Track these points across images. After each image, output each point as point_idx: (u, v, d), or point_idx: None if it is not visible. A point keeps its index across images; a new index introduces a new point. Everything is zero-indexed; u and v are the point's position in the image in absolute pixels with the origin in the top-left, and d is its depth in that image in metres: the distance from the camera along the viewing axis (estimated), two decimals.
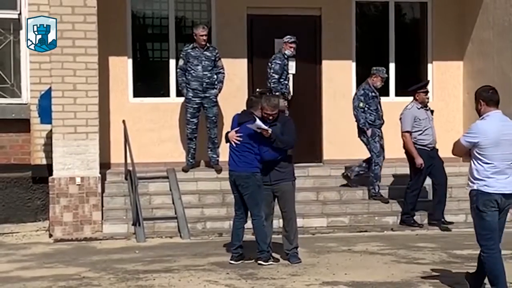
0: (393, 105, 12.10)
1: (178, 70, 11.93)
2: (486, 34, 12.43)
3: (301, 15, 12.86)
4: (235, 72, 12.49)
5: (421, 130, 10.85)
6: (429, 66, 13.40)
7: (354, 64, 13.13)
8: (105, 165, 11.72)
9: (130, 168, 11.01)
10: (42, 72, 11.48)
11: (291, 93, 12.14)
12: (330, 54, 12.93)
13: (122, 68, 12.46)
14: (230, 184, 8.83)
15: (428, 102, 11.12)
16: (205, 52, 11.70)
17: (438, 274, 8.04)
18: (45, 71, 11.31)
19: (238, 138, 8.59)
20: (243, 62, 12.72)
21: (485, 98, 6.92)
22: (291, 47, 11.84)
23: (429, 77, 13.20)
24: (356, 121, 11.53)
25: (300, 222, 10.05)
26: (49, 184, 10.73)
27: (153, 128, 12.48)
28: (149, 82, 12.90)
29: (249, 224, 8.85)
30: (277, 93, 11.36)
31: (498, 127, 6.82)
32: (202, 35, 11.64)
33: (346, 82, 13.04)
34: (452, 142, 7.13)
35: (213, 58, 11.73)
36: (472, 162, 6.89)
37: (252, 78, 12.76)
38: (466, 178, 7.11)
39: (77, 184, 10.66)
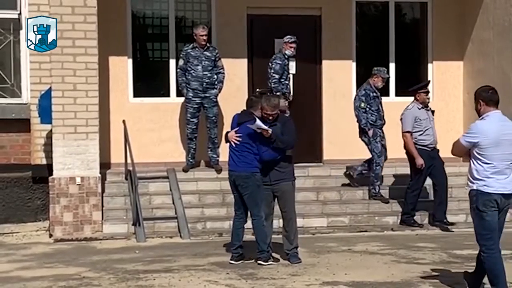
0: (393, 105, 12.10)
1: (178, 70, 11.93)
2: (486, 34, 12.43)
3: (301, 15, 12.86)
4: (235, 72, 12.49)
5: (421, 131, 10.84)
6: (429, 66, 13.41)
7: (354, 64, 13.13)
8: (105, 165, 11.72)
9: (130, 168, 11.01)
10: (42, 72, 11.48)
11: (292, 93, 12.14)
12: (330, 54, 12.93)
13: (122, 68, 12.46)
14: (229, 184, 8.83)
15: (429, 102, 11.11)
16: (205, 52, 11.70)
17: (438, 274, 8.04)
18: (45, 71, 11.31)
19: (238, 138, 8.59)
20: (243, 62, 12.72)
21: (484, 98, 6.92)
22: (291, 47, 11.84)
23: (429, 77, 13.21)
24: (357, 121, 11.52)
25: (300, 222, 10.05)
26: (49, 184, 10.73)
27: (153, 128, 12.49)
28: (149, 82, 12.90)
29: (249, 224, 8.85)
30: (277, 93, 11.37)
31: (498, 127, 6.82)
32: (202, 35, 11.64)
33: (346, 82, 13.04)
34: (452, 142, 7.13)
35: (213, 58, 11.73)
36: (471, 162, 6.89)
37: (252, 78, 12.76)
38: (466, 178, 7.10)
39: (77, 184, 10.66)
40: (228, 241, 9.19)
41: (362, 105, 11.40)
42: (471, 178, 6.89)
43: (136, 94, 12.61)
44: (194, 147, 11.91)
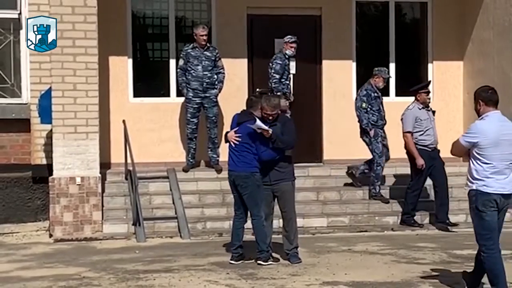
0: (393, 105, 12.11)
1: (178, 70, 11.93)
2: (486, 34, 12.42)
3: (301, 15, 12.86)
4: (235, 72, 12.49)
5: (422, 131, 10.84)
6: (429, 66, 13.41)
7: (354, 64, 13.13)
8: (105, 165, 11.72)
9: (130, 168, 11.01)
10: (42, 72, 11.48)
11: (292, 93, 12.14)
12: (330, 54, 12.93)
13: (122, 68, 12.46)
14: (229, 184, 8.83)
15: (429, 102, 11.11)
16: (205, 52, 11.70)
17: (438, 274, 8.04)
18: (45, 71, 11.31)
19: (237, 138, 8.59)
20: (243, 62, 12.72)
21: (484, 98, 6.92)
22: (292, 47, 11.83)
23: (429, 77, 13.21)
24: (358, 121, 11.52)
25: (300, 222, 10.05)
26: (49, 184, 10.73)
27: (153, 128, 12.48)
28: (149, 82, 12.90)
29: (249, 224, 8.85)
30: (278, 93, 11.37)
31: (498, 127, 6.82)
32: (202, 35, 11.64)
33: (346, 82, 13.04)
34: (452, 142, 7.13)
35: (213, 58, 11.73)
36: (471, 162, 6.89)
37: (252, 78, 12.76)
38: (466, 178, 7.10)
39: (77, 184, 10.66)
40: (228, 241, 9.19)
41: (364, 105, 11.40)
42: (470, 178, 6.89)
43: (136, 94, 12.61)
44: (194, 147, 11.91)
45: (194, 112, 11.76)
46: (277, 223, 9.15)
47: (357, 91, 12.35)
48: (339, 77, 12.99)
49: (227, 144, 8.79)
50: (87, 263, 8.82)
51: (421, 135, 10.83)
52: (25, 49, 11.42)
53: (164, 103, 12.61)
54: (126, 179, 11.39)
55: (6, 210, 11.60)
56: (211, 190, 11.51)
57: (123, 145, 11.47)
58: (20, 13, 11.71)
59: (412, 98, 11.11)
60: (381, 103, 11.57)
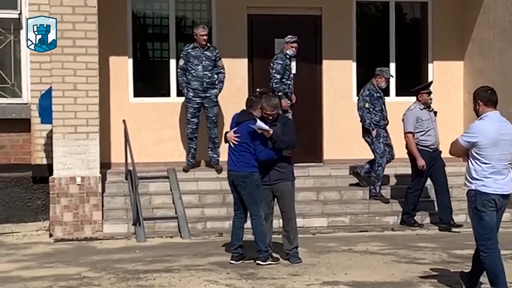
0: (394, 105, 12.10)
1: (178, 70, 11.93)
2: (487, 34, 12.43)
3: (302, 14, 12.86)
4: (236, 72, 12.49)
5: (423, 131, 10.83)
6: (430, 66, 13.41)
7: (354, 64, 13.12)
8: (105, 165, 11.72)
9: (131, 168, 11.01)
10: (42, 72, 11.48)
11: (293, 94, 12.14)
12: (330, 54, 12.93)
13: (123, 68, 12.46)
14: (229, 184, 8.84)
15: (431, 103, 11.09)
16: (205, 52, 11.70)
17: (438, 274, 8.04)
18: (45, 71, 11.31)
19: (236, 139, 8.59)
20: (244, 62, 12.72)
21: (483, 99, 6.93)
22: (292, 46, 11.81)
23: (430, 77, 13.21)
24: (361, 121, 11.50)
25: (300, 222, 10.05)
26: (50, 184, 10.73)
27: (153, 128, 12.48)
28: (149, 82, 12.90)
29: (249, 224, 8.84)
30: (279, 94, 11.38)
31: (497, 127, 6.83)
32: (203, 35, 11.64)
33: (347, 82, 13.04)
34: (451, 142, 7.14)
35: (213, 58, 11.73)
36: (469, 162, 6.89)
37: (252, 78, 12.77)
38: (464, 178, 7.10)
39: (78, 184, 10.66)
40: (229, 241, 9.18)
41: (367, 105, 11.38)
42: (469, 178, 6.89)
43: (137, 94, 12.61)
44: (194, 147, 11.91)
45: (195, 112, 11.76)
46: (277, 223, 9.15)
47: (357, 91, 12.36)
48: (339, 77, 12.99)
49: (227, 144, 8.80)
50: (87, 263, 8.83)
51: (422, 135, 10.83)
52: (26, 49, 11.41)
53: (164, 103, 12.62)
54: (126, 179, 11.39)
55: (7, 210, 11.61)
56: (211, 190, 11.51)
57: (123, 145, 11.47)
58: (20, 13, 11.71)
59: (413, 98, 11.11)
60: (384, 103, 11.56)
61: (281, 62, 11.73)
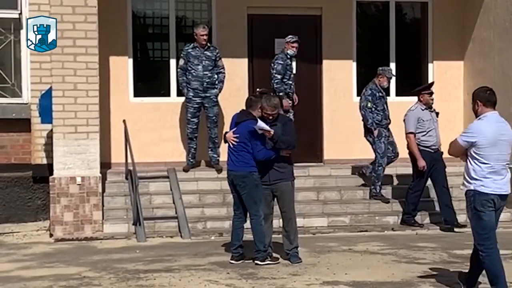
0: (394, 104, 12.08)
1: (178, 69, 11.93)
2: (487, 34, 12.42)
3: (302, 14, 12.86)
4: (236, 72, 12.49)
5: (424, 131, 10.82)
6: (430, 66, 13.41)
7: (354, 64, 13.12)
8: (105, 165, 11.72)
9: (131, 168, 11.01)
10: (42, 72, 11.48)
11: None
12: (330, 54, 12.93)
13: (123, 68, 12.46)
14: (228, 183, 8.84)
15: (432, 103, 11.08)
16: (205, 52, 11.70)
17: (438, 274, 8.04)
18: (45, 70, 11.31)
19: (235, 139, 8.59)
20: (244, 62, 12.72)
21: (482, 99, 6.93)
22: (293, 46, 11.80)
23: (430, 77, 13.21)
24: (363, 120, 11.50)
25: (300, 221, 10.05)
26: (50, 183, 10.73)
27: (153, 127, 12.49)
28: (149, 82, 12.90)
29: (248, 224, 8.84)
30: (280, 94, 11.38)
31: (496, 127, 6.84)
32: (203, 35, 11.64)
33: (347, 82, 13.04)
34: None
35: (213, 58, 11.73)
36: (468, 162, 6.89)
37: (252, 78, 12.77)
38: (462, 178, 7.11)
39: (78, 184, 10.66)
40: (229, 241, 9.18)
41: (369, 105, 11.37)
42: (468, 178, 6.89)
43: (137, 93, 12.61)
44: (194, 147, 11.91)
45: (195, 112, 11.76)
46: (277, 223, 9.15)
47: (357, 91, 12.35)
48: (339, 77, 12.99)
49: (227, 144, 8.80)
50: (88, 263, 8.83)
51: (423, 136, 10.82)
52: (26, 49, 11.41)
53: (164, 103, 12.62)
54: (127, 178, 11.39)
55: (7, 209, 11.61)
56: (212, 190, 11.51)
57: (124, 145, 11.47)
58: (20, 13, 11.71)
59: (413, 98, 11.11)
60: (386, 102, 11.55)
61: (282, 62, 11.72)
